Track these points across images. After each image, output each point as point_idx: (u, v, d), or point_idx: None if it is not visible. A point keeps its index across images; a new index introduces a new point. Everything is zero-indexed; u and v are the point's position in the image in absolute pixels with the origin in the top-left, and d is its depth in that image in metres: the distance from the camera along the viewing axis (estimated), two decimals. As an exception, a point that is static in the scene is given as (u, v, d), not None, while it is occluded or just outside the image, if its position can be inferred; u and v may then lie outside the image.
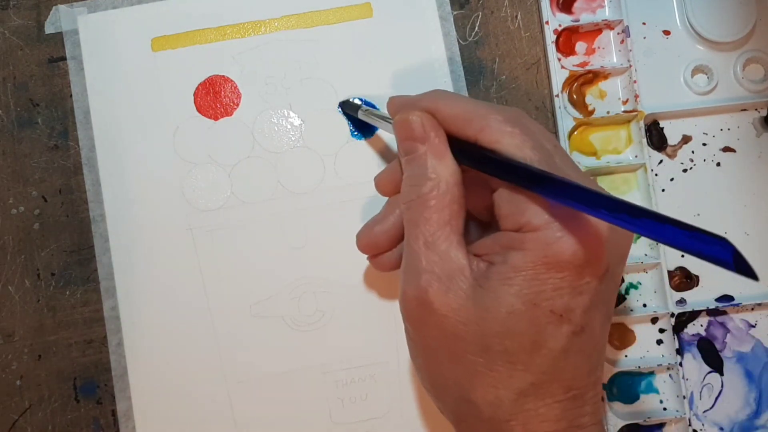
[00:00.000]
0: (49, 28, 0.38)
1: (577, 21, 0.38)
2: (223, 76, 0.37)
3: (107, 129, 0.37)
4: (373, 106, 0.37)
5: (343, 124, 0.37)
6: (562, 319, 0.24)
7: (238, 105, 0.37)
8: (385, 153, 0.37)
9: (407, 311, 0.27)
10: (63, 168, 0.37)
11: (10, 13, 0.38)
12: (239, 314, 0.36)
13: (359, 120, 0.35)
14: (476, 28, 0.38)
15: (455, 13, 0.38)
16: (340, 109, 0.37)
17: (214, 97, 0.37)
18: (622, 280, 0.37)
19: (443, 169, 0.26)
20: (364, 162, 0.37)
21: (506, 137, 0.25)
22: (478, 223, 0.30)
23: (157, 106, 0.37)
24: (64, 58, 0.37)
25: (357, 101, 0.36)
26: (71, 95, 0.37)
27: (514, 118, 0.26)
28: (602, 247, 0.24)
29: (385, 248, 0.31)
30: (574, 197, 0.22)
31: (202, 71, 0.37)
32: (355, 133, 0.37)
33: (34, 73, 0.37)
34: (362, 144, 0.37)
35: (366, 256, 0.32)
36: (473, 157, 0.26)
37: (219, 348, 0.36)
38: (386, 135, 0.37)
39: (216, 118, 0.37)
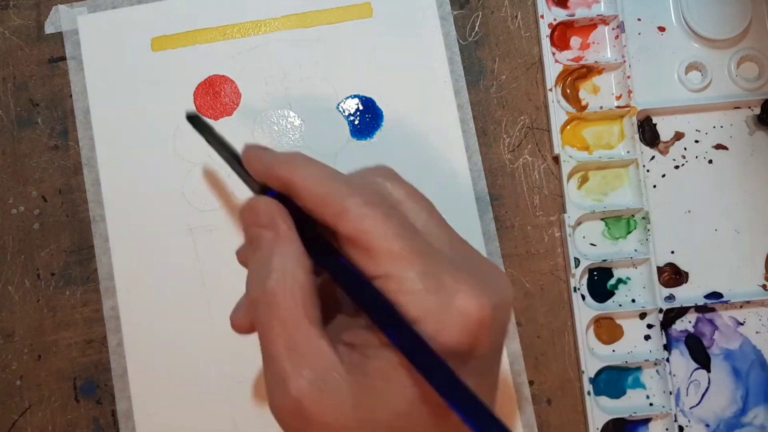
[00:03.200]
0: (49, 28, 0.38)
1: (573, 15, 0.38)
2: (223, 76, 0.37)
3: (107, 129, 0.37)
4: (374, 105, 0.37)
5: (343, 124, 0.37)
6: (450, 411, 0.22)
7: (238, 105, 0.37)
8: (385, 153, 0.37)
9: (283, 425, 0.23)
10: (63, 168, 0.37)
11: (10, 13, 0.38)
12: (240, 313, 0.36)
13: (357, 121, 0.35)
14: (476, 28, 0.38)
15: (455, 13, 0.38)
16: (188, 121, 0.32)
17: (214, 97, 0.37)
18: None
19: (289, 260, 0.23)
20: (364, 162, 0.36)
21: (367, 223, 0.22)
22: (345, 312, 0.26)
23: (157, 106, 0.37)
24: (64, 58, 0.37)
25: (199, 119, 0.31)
26: (71, 95, 0.37)
27: (375, 197, 0.23)
28: (482, 336, 0.22)
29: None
30: (415, 361, 0.21)
31: (202, 71, 0.37)
32: (356, 133, 0.37)
33: (34, 73, 0.37)
34: (362, 144, 0.37)
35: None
36: (327, 263, 0.24)
37: (219, 348, 0.36)
38: (387, 136, 0.37)
39: (216, 118, 0.37)
